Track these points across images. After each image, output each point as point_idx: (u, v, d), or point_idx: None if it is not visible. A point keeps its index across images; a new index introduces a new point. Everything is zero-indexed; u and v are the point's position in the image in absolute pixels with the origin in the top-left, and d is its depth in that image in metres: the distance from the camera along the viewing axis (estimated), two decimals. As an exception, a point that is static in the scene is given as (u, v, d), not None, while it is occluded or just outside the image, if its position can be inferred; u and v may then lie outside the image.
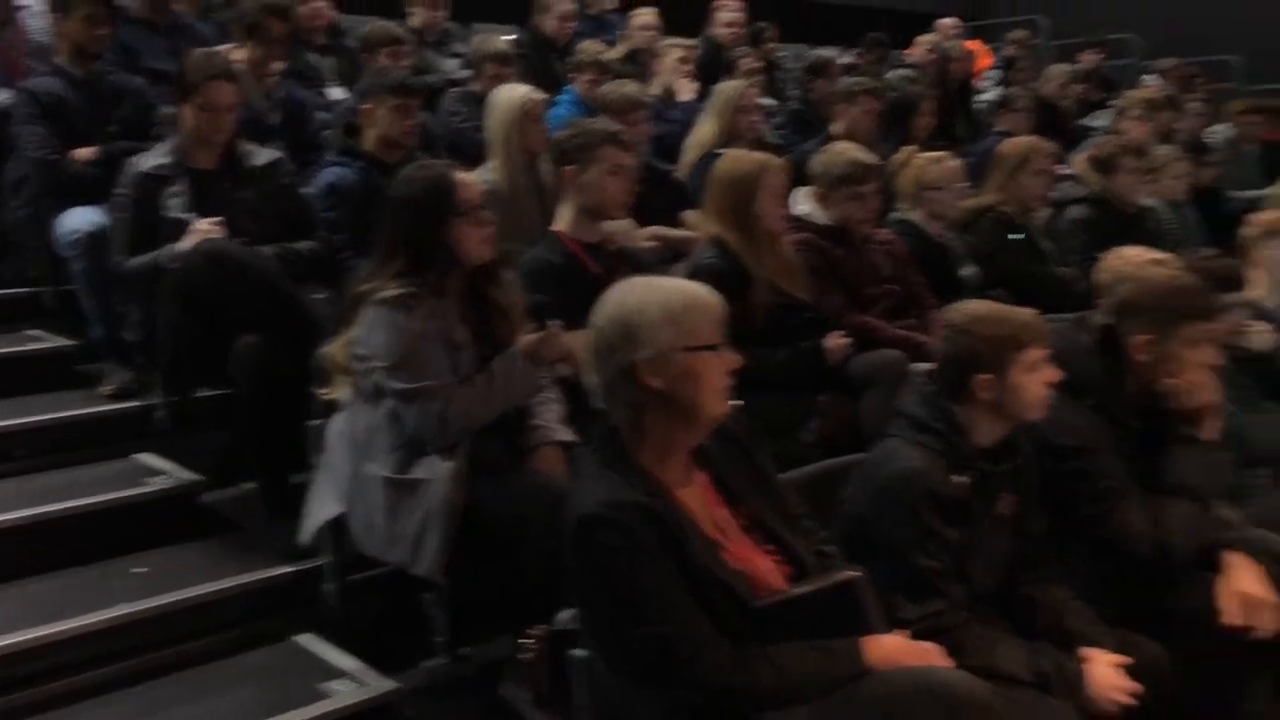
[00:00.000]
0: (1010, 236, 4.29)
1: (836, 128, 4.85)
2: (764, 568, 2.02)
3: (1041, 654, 2.15)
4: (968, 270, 4.10)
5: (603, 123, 3.26)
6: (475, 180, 2.67)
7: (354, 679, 2.64)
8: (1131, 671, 2.22)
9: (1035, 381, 2.24)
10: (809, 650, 1.88)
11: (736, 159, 3.52)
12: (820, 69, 5.89)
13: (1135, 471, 2.46)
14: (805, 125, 5.70)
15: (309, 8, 5.07)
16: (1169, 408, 2.45)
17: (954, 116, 6.44)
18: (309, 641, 2.79)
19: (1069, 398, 2.47)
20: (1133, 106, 5.80)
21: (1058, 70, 7.30)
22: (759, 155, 3.53)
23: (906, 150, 4.30)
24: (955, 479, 2.21)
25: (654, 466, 1.97)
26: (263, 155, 3.52)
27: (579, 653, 2.06)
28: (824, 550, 2.16)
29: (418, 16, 5.59)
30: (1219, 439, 2.57)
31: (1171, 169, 5.06)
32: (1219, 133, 6.49)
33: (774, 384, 3.23)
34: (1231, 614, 2.34)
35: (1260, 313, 3.53)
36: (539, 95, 3.88)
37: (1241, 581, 2.38)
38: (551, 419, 2.69)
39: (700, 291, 2.02)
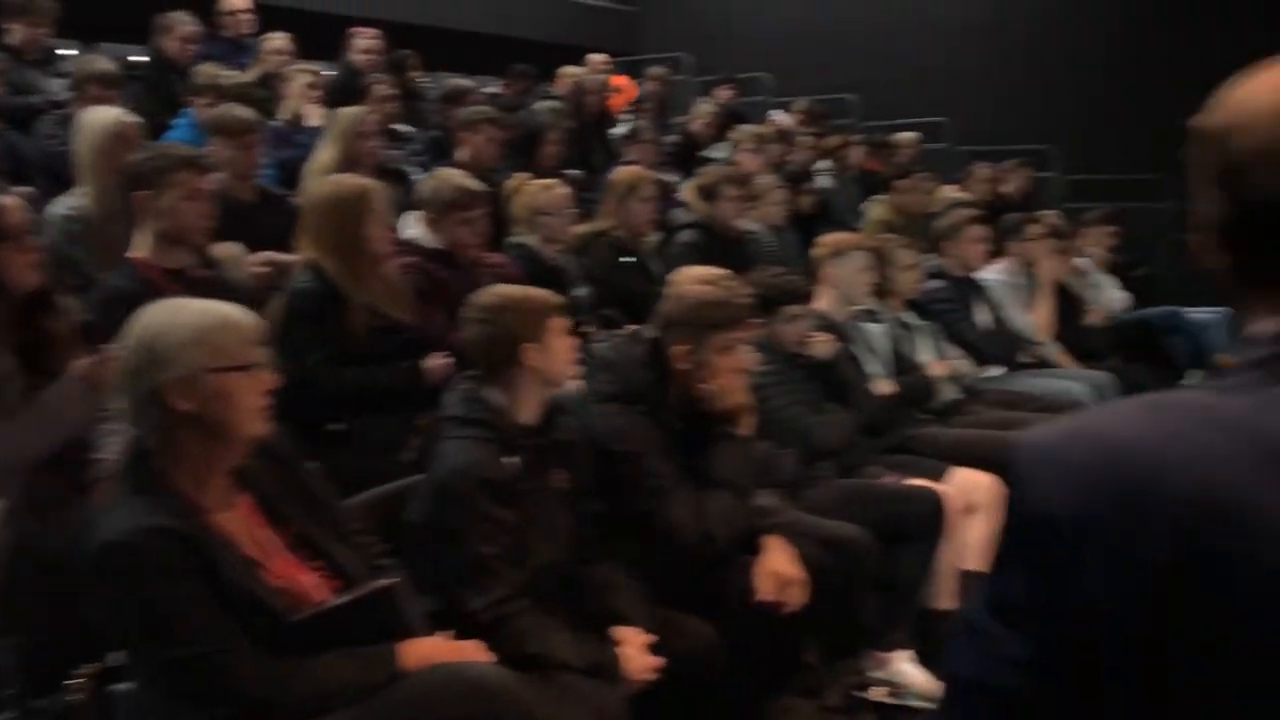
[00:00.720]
0: (622, 259, 4.56)
1: (461, 155, 4.97)
2: (308, 584, 2.06)
3: (588, 642, 2.32)
4: (581, 291, 4.32)
5: (180, 147, 3.19)
6: (17, 204, 2.55)
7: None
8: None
9: (564, 345, 2.51)
10: (344, 659, 1.94)
11: (337, 184, 3.56)
12: (456, 97, 6.02)
13: (683, 469, 2.69)
14: (444, 152, 5.79)
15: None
16: (708, 409, 2.71)
17: (591, 146, 6.75)
18: None
19: (623, 406, 2.69)
20: (745, 140, 6.31)
21: (704, 108, 7.81)
22: (359, 180, 3.58)
23: (519, 177, 4.48)
24: (506, 461, 2.36)
25: (189, 490, 1.97)
26: None
27: (122, 687, 2.03)
28: (380, 563, 2.23)
29: (17, 34, 5.22)
30: (755, 435, 2.85)
31: (771, 196, 5.54)
32: (825, 165, 7.16)
33: (375, 405, 3.28)
34: (765, 591, 2.61)
35: (825, 324, 3.95)
36: (130, 118, 3.73)
37: (775, 562, 2.67)
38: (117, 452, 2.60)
39: (231, 311, 2.05)
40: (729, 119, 7.95)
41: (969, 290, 4.94)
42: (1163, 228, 8.04)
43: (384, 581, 2.02)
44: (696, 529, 2.62)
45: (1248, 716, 0.79)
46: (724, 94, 8.62)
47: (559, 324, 2.49)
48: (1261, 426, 0.80)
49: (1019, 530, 0.87)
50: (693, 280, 2.97)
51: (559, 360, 2.48)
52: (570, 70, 7.70)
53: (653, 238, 4.81)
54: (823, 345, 3.77)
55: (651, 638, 2.34)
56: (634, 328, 3.57)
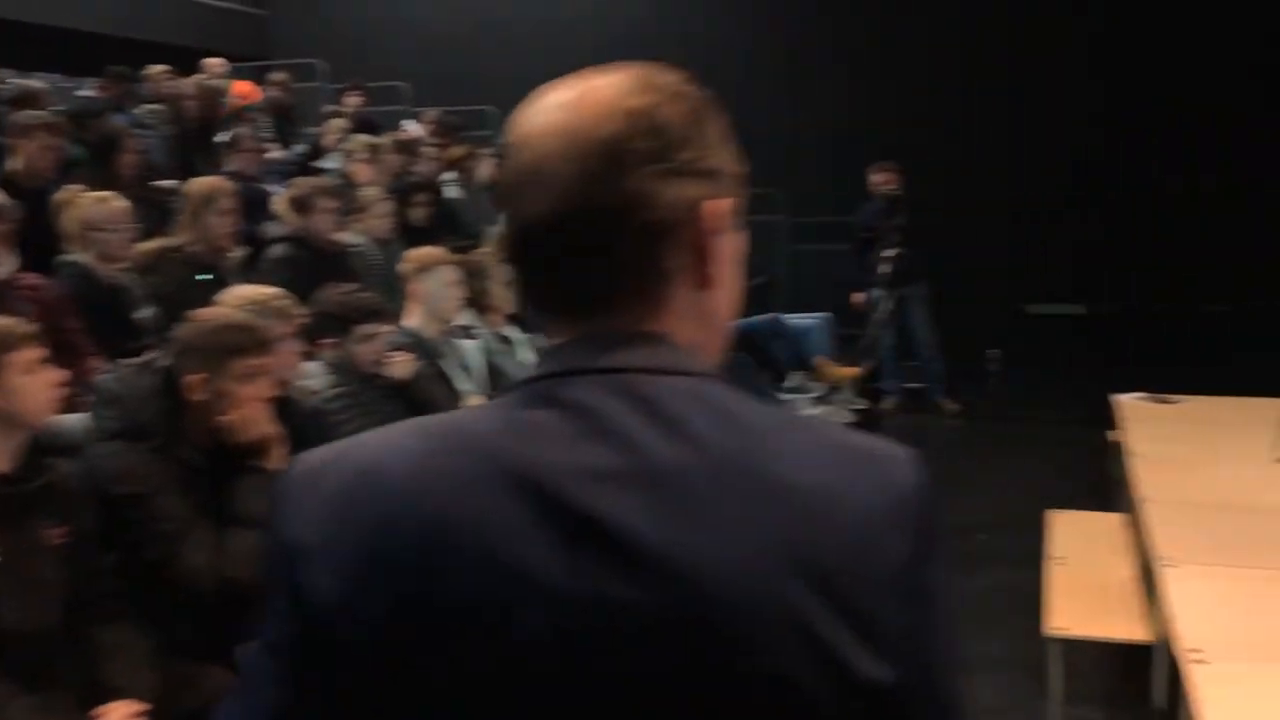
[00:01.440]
0: (199, 277, 4.22)
1: (13, 164, 4.46)
2: None
3: (53, 713, 2.07)
4: (146, 312, 3.96)
5: None
6: None
7: None
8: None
9: (37, 383, 2.23)
10: None
11: None
12: (26, 101, 5.42)
13: (203, 508, 2.47)
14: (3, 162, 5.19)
15: None
16: (230, 442, 2.50)
17: (195, 154, 6.30)
18: None
19: (129, 443, 2.44)
20: (359, 150, 6.09)
21: (336, 121, 7.48)
22: None
23: (70, 190, 4.05)
24: None
25: None
26: None
27: None
28: None
29: None
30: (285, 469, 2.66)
31: (377, 209, 5.35)
32: (452, 176, 7.04)
33: None
34: (294, 634, 2.44)
35: (411, 341, 3.82)
36: None
37: (308, 601, 2.50)
38: None
39: None
40: (363, 129, 7.70)
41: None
42: (778, 239, 8.55)
43: None
44: (214, 572, 2.41)
45: None
46: (352, 101, 8.34)
47: (24, 358, 2.21)
48: (504, 450, 0.77)
49: (272, 557, 0.81)
50: (225, 301, 2.77)
51: (25, 400, 2.20)
52: (156, 70, 7.15)
53: (236, 253, 4.50)
54: (401, 365, 3.64)
55: (144, 705, 2.11)
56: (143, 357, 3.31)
